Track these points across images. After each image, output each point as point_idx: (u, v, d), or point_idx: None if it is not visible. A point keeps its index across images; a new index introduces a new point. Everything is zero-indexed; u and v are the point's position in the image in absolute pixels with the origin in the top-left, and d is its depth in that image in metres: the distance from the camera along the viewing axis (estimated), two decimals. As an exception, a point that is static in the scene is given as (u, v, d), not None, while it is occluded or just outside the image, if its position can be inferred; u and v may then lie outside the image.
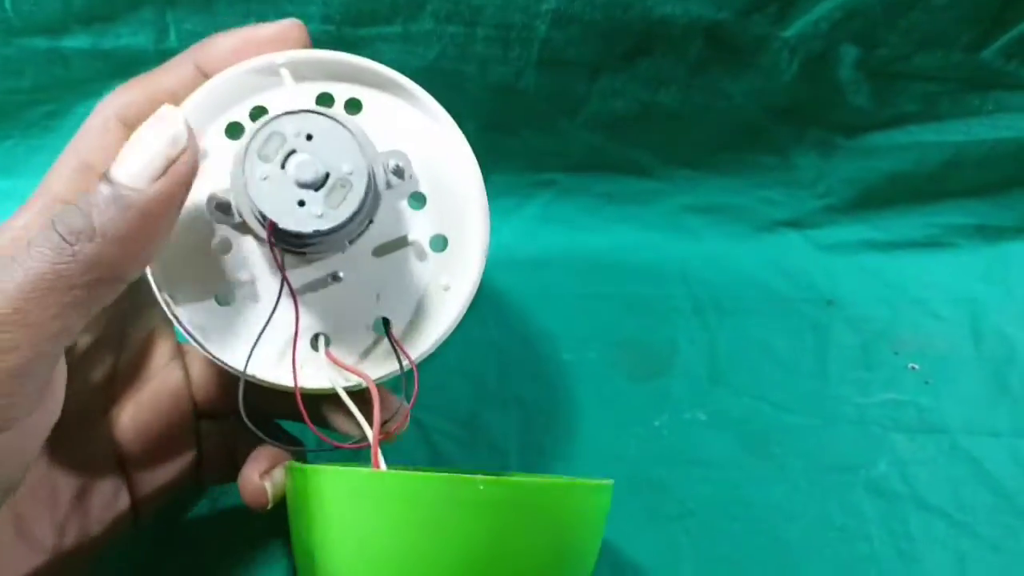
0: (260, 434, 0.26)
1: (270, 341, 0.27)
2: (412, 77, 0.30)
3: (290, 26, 0.26)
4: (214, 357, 0.26)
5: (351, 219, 0.24)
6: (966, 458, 0.39)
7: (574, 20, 0.35)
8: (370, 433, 0.26)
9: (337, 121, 0.23)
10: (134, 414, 0.30)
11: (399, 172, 0.25)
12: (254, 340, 0.26)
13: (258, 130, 0.23)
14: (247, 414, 0.26)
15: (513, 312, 0.41)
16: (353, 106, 0.26)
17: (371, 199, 0.24)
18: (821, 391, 0.40)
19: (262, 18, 0.34)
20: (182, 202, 0.23)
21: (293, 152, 0.23)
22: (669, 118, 0.40)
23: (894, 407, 0.40)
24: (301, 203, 0.23)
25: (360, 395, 0.27)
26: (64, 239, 0.21)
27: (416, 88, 0.26)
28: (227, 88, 0.26)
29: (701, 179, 0.43)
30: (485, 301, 0.29)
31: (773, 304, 0.42)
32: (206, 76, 0.26)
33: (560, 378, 0.39)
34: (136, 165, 0.21)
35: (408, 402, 0.27)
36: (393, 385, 0.28)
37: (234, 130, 0.26)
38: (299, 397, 0.26)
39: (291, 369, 0.26)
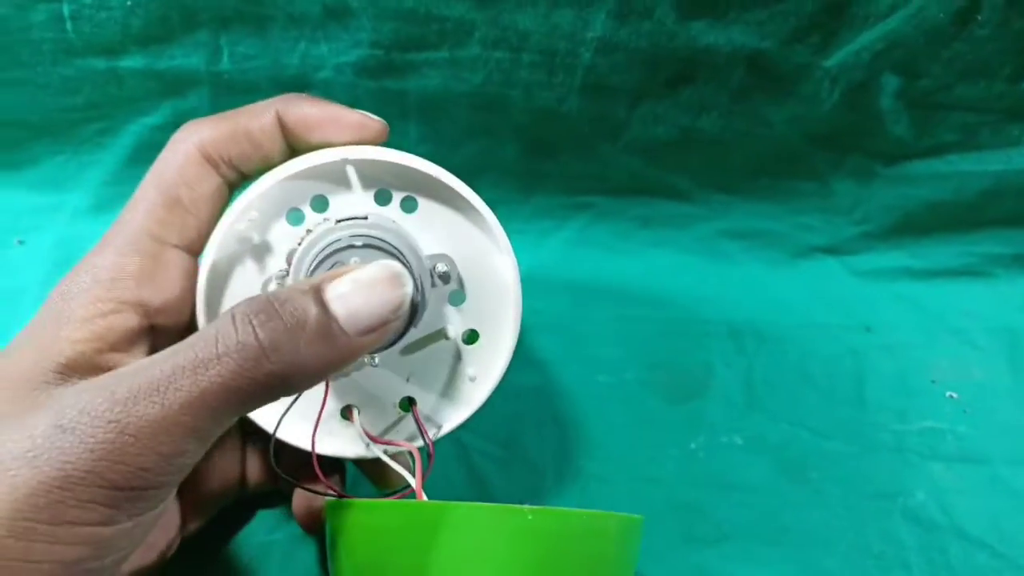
0: (293, 481, 0.29)
1: (302, 409, 0.28)
2: (457, 102, 0.31)
3: (372, 122, 0.28)
4: (253, 420, 0.28)
5: (392, 344, 0.26)
6: (1007, 489, 0.38)
7: (619, 48, 0.35)
8: (413, 482, 0.28)
9: (393, 254, 0.25)
10: None
11: (445, 277, 0.27)
12: (286, 407, 0.28)
13: (323, 256, 0.25)
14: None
15: (550, 334, 0.41)
16: (409, 205, 0.28)
17: (418, 313, 0.26)
18: (859, 418, 0.40)
19: (313, 44, 0.36)
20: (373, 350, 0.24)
21: None
22: (709, 144, 0.40)
23: (932, 435, 0.40)
24: None
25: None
26: (266, 354, 0.21)
27: (469, 193, 0.27)
28: (298, 178, 0.27)
29: (738, 204, 0.43)
30: (522, 322, 0.30)
31: (810, 330, 0.42)
32: (285, 129, 0.27)
33: (597, 400, 0.40)
34: (361, 312, 0.22)
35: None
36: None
37: (295, 217, 0.27)
38: (316, 461, 0.28)
39: (319, 435, 0.29)
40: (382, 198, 0.27)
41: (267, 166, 0.27)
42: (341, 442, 0.30)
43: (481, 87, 0.37)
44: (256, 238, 0.27)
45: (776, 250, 0.44)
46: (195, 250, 0.27)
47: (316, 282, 0.23)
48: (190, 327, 0.28)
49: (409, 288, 0.23)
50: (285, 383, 0.22)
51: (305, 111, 0.27)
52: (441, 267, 0.27)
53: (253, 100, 0.27)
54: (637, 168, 0.41)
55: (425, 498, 0.27)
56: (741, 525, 0.36)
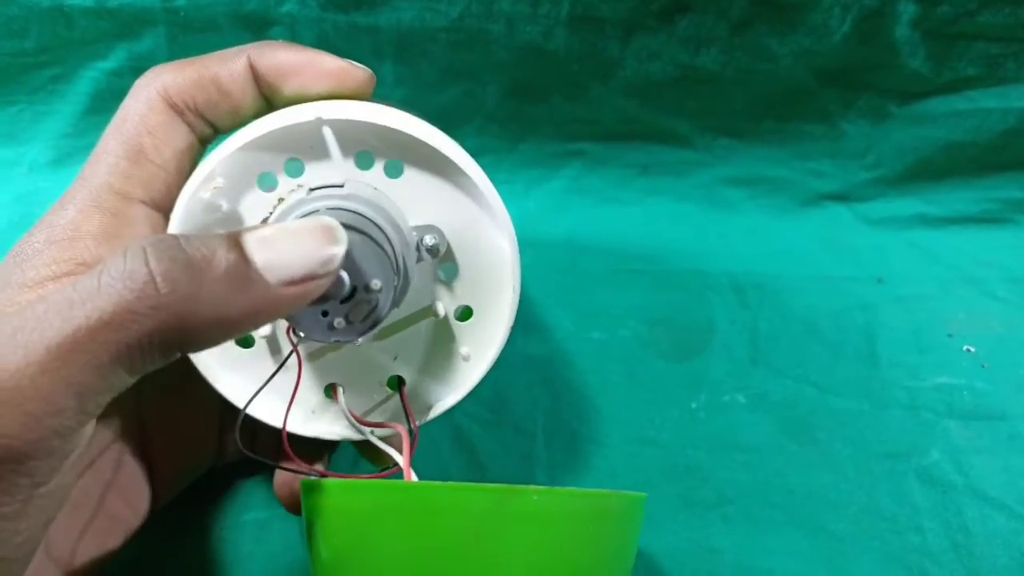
0: (270, 463, 0.27)
1: (278, 387, 0.27)
2: (434, 38, 0.28)
3: (355, 70, 0.25)
4: (223, 394, 0.27)
5: (373, 329, 0.24)
6: (1026, 447, 0.36)
7: (608, -27, 0.33)
8: (401, 460, 0.26)
9: (370, 237, 0.23)
10: (163, 404, 0.29)
11: (433, 250, 0.25)
12: (261, 384, 0.26)
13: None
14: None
15: (540, 289, 0.39)
16: (393, 170, 0.25)
17: (398, 292, 0.24)
18: (870, 374, 0.38)
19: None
20: (294, 309, 0.21)
21: None
22: (709, 82, 0.37)
23: (948, 392, 0.37)
24: (324, 313, 0.23)
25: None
26: (155, 283, 0.18)
27: (461, 158, 0.24)
28: (268, 140, 0.24)
29: (742, 149, 0.40)
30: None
31: (818, 282, 0.40)
32: (257, 77, 0.25)
33: (591, 358, 0.37)
34: (282, 260, 0.20)
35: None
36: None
37: (267, 180, 0.25)
38: (285, 438, 0.26)
39: (300, 417, 0.27)
40: (363, 161, 0.25)
41: (237, 117, 0.25)
42: (324, 423, 0.28)
43: (459, 20, 0.34)
44: (224, 206, 0.24)
45: (782, 197, 0.41)
46: (163, 206, 0.24)
47: (234, 231, 0.20)
48: None
49: (342, 247, 0.21)
50: (181, 328, 0.19)
51: (279, 57, 0.25)
52: (429, 239, 0.25)
53: (213, 40, 0.25)
54: (632, 111, 0.38)
55: (414, 477, 0.25)
56: (744, 488, 0.35)
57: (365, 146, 0.24)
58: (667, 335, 0.38)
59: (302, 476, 0.27)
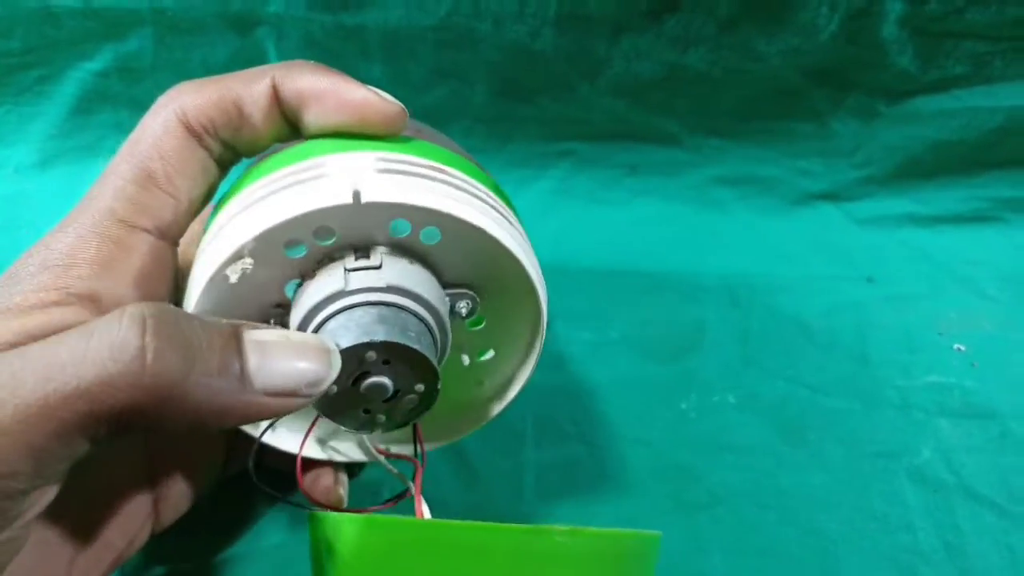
0: (272, 492, 0.26)
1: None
2: (422, 37, 0.28)
3: (384, 104, 0.23)
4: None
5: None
6: (1017, 445, 0.36)
7: (596, -28, 0.33)
8: (413, 488, 0.25)
9: (415, 351, 0.22)
10: (175, 437, 0.28)
11: (467, 315, 0.25)
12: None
13: (329, 315, 0.22)
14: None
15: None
16: (430, 237, 0.24)
17: (431, 396, 0.23)
18: (861, 373, 0.38)
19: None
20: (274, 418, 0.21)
21: (366, 373, 0.22)
22: (698, 82, 0.37)
23: (939, 391, 0.37)
24: (367, 411, 0.23)
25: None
26: (146, 357, 0.17)
27: (507, 240, 0.23)
28: (303, 216, 0.22)
29: (732, 149, 0.40)
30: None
31: (809, 282, 0.40)
32: (280, 100, 0.23)
33: (580, 360, 0.37)
34: (273, 369, 0.19)
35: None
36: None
37: (294, 246, 0.23)
38: (300, 472, 0.26)
39: (314, 443, 0.27)
40: (399, 226, 0.23)
41: (258, 142, 0.24)
42: (336, 445, 0.28)
43: (447, 19, 0.34)
44: (249, 270, 0.23)
45: (772, 197, 0.41)
46: (171, 235, 0.23)
47: (234, 323, 0.20)
48: None
49: (333, 376, 0.21)
50: (155, 410, 0.18)
51: (303, 82, 0.23)
52: (463, 307, 0.24)
53: (199, 40, 0.25)
54: (621, 111, 0.38)
55: (426, 509, 0.25)
56: (735, 488, 0.34)
57: (402, 217, 0.23)
58: (657, 336, 0.38)
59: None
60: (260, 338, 0.19)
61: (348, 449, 0.28)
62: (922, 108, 0.39)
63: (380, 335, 0.21)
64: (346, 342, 0.21)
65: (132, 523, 0.27)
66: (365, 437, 0.26)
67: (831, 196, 0.42)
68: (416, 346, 0.22)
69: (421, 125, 0.27)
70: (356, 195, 0.21)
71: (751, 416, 0.36)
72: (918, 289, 0.40)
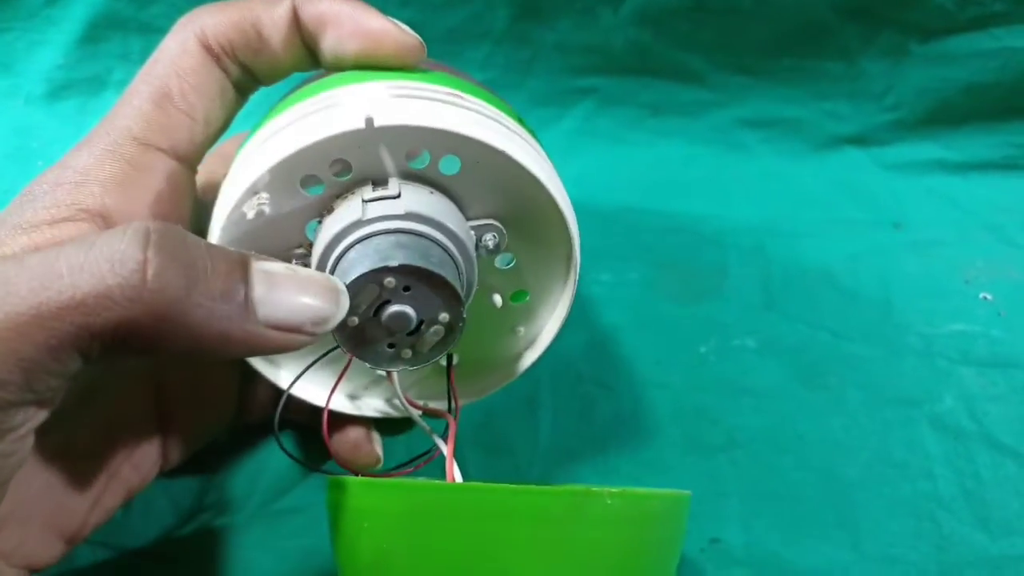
0: (292, 456, 0.26)
1: (324, 361, 0.25)
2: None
3: (401, 35, 0.23)
4: (263, 375, 0.25)
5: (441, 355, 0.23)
6: (1041, 395, 0.35)
7: None
8: (443, 447, 0.24)
9: (437, 276, 0.21)
10: (186, 372, 0.28)
11: (494, 250, 0.24)
12: (306, 364, 0.25)
13: (348, 246, 0.21)
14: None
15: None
16: (451, 166, 0.23)
17: (465, 310, 0.22)
18: (884, 320, 0.37)
19: None
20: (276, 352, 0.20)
21: (387, 302, 0.21)
22: (725, 14, 0.36)
23: (963, 339, 0.37)
24: (391, 345, 0.22)
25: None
26: (147, 271, 0.17)
27: (524, 153, 0.22)
28: (314, 146, 0.21)
29: (758, 88, 0.39)
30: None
31: (834, 226, 0.39)
32: (300, 25, 0.23)
33: (599, 300, 0.37)
34: (278, 302, 0.19)
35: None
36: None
37: (311, 182, 0.22)
38: (326, 420, 0.25)
39: (344, 398, 0.27)
40: (418, 159, 0.22)
41: (277, 68, 0.24)
42: (372, 398, 0.27)
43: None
44: (267, 211, 0.22)
45: (798, 140, 0.40)
46: (187, 157, 0.23)
47: (243, 252, 0.19)
48: None
49: (340, 317, 0.20)
50: (153, 330, 0.17)
51: (323, 6, 0.23)
52: (489, 240, 0.24)
53: None
54: (645, 42, 0.37)
55: (458, 475, 0.24)
56: (753, 432, 0.34)
57: (420, 146, 0.22)
58: (677, 279, 0.37)
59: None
60: (268, 268, 0.19)
61: (380, 405, 0.27)
62: (957, 48, 0.37)
63: (398, 259, 0.21)
64: (362, 268, 0.21)
65: (142, 458, 0.27)
66: (399, 391, 0.25)
67: (858, 140, 0.40)
68: (437, 270, 0.21)
69: (440, 63, 0.26)
70: (369, 120, 0.21)
71: (771, 360, 0.36)
72: (945, 236, 0.39)
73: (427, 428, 0.25)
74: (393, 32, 0.23)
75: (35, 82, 0.38)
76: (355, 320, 0.21)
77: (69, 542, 0.26)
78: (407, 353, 0.22)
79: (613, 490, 0.21)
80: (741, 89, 0.39)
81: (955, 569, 0.32)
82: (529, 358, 0.27)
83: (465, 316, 0.22)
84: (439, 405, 0.28)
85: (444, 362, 0.27)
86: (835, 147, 0.40)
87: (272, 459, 0.32)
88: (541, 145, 0.25)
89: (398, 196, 0.22)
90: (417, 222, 0.22)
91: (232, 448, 0.32)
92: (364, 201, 0.22)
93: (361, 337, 0.22)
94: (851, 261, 0.38)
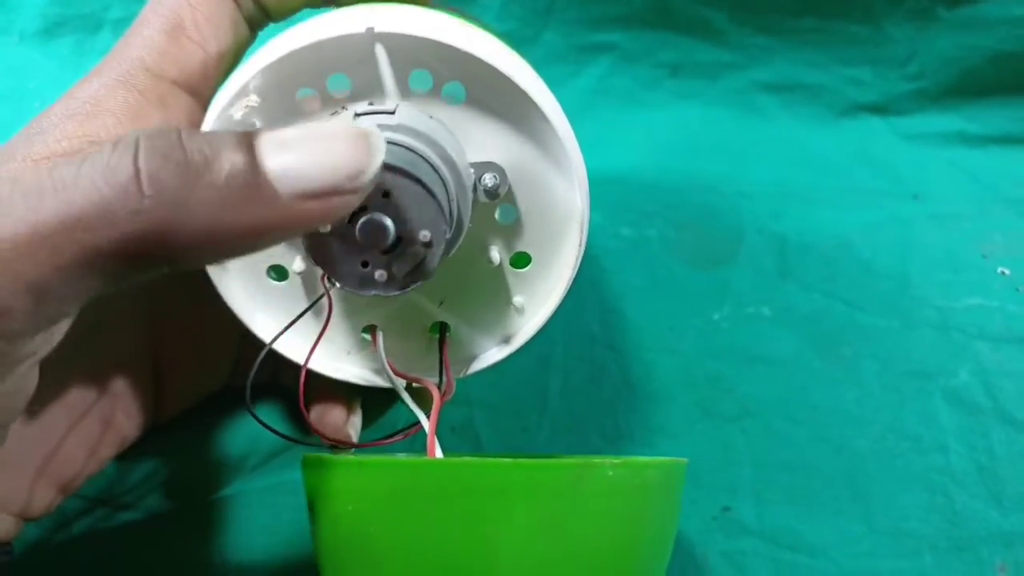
0: (265, 424, 0.24)
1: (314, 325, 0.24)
2: None
3: None
4: (248, 327, 0.24)
5: (416, 284, 0.21)
6: (1058, 372, 0.35)
7: None
8: (426, 423, 0.23)
9: (421, 182, 0.19)
10: (183, 323, 0.27)
11: (492, 192, 0.22)
12: (289, 321, 0.23)
13: None
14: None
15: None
16: (454, 95, 0.21)
17: (450, 243, 0.21)
18: (900, 292, 0.36)
19: None
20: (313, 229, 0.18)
21: (363, 209, 0.19)
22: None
23: (980, 313, 0.36)
24: (364, 264, 0.20)
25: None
26: (139, 183, 0.15)
27: (533, 85, 0.21)
28: (309, 52, 0.20)
29: (779, 50, 0.38)
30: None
31: (852, 195, 0.38)
32: None
33: (616, 256, 0.35)
34: (302, 167, 0.16)
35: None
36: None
37: (307, 94, 0.21)
38: (302, 395, 0.23)
39: (328, 356, 0.25)
40: (419, 81, 0.21)
41: (286, 2, 0.23)
42: (354, 366, 0.26)
43: None
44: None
45: (818, 107, 0.39)
46: (198, 90, 0.22)
47: (251, 130, 0.17)
48: None
49: (377, 164, 0.17)
50: (164, 239, 0.16)
51: None
52: (489, 179, 0.22)
53: None
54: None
55: (438, 448, 0.22)
56: (766, 401, 0.33)
57: (422, 65, 0.21)
58: (694, 241, 0.36)
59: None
60: (279, 136, 0.17)
61: (363, 372, 0.26)
62: (986, 14, 0.36)
63: (386, 158, 0.19)
64: None
65: (135, 405, 0.26)
66: (383, 356, 0.24)
67: (880, 109, 0.39)
68: (420, 176, 0.19)
69: (457, 8, 0.25)
70: (369, 28, 0.19)
71: (785, 329, 0.35)
72: (964, 209, 0.38)
73: (409, 400, 0.24)
74: None
75: (29, 19, 0.36)
76: (327, 227, 0.20)
77: (63, 491, 0.25)
78: (381, 275, 0.20)
79: (615, 460, 0.20)
80: (762, 51, 0.38)
81: (967, 544, 0.31)
82: (529, 329, 0.25)
83: (447, 237, 0.20)
84: (432, 378, 0.26)
85: (437, 334, 0.25)
86: (855, 115, 0.39)
87: (270, 421, 0.32)
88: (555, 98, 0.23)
89: (393, 112, 0.21)
90: (409, 135, 0.20)
91: (229, 408, 0.31)
92: (356, 115, 0.21)
93: (331, 248, 0.20)
94: (868, 231, 0.37)
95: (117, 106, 0.20)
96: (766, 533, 0.31)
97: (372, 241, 0.19)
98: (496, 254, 0.24)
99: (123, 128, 0.20)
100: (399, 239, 0.20)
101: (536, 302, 0.25)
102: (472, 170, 0.22)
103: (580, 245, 0.23)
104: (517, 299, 0.25)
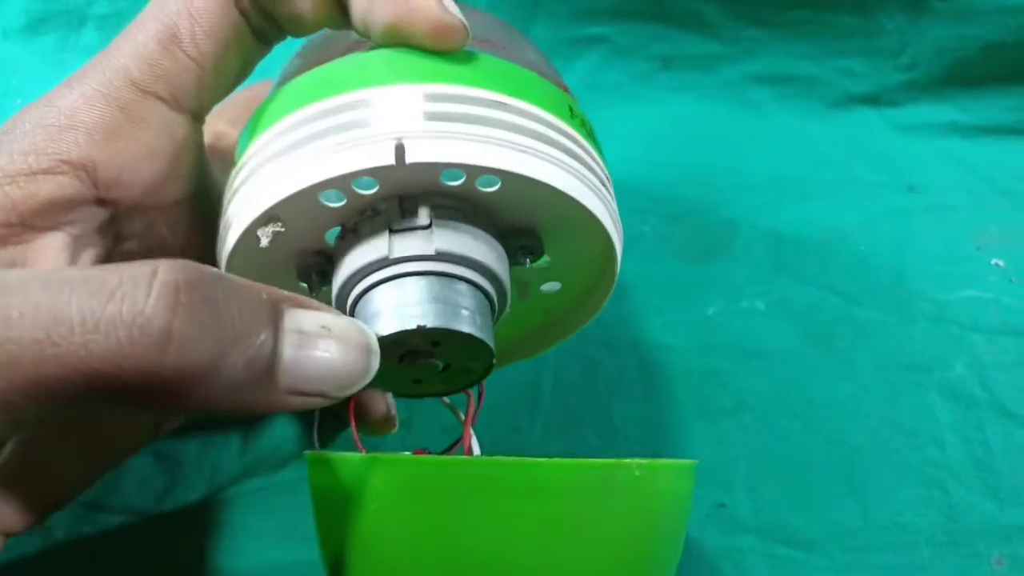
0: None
1: None
2: None
3: (440, 14, 0.19)
4: None
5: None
6: (1053, 364, 0.34)
7: None
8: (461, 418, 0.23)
9: (465, 335, 0.19)
10: None
11: (531, 260, 0.22)
12: None
13: (372, 284, 0.20)
14: None
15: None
16: (487, 183, 0.20)
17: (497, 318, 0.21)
18: (895, 284, 0.36)
19: None
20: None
21: (412, 353, 0.20)
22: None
23: (975, 305, 0.36)
24: (416, 381, 0.21)
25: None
26: (170, 345, 0.14)
27: (567, 182, 0.20)
28: (336, 178, 0.19)
29: (771, 42, 0.38)
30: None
31: (846, 187, 0.38)
32: None
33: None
34: (309, 368, 0.16)
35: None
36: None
37: (330, 197, 0.20)
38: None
39: None
40: (451, 177, 0.20)
41: (301, 19, 0.21)
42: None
43: None
44: (283, 231, 0.20)
45: (811, 99, 0.39)
46: (192, 110, 0.21)
47: (277, 297, 0.17)
48: (185, 221, 0.22)
49: (368, 379, 0.18)
50: (165, 397, 0.15)
51: None
52: (525, 256, 0.22)
53: None
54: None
55: (477, 449, 0.22)
56: (761, 395, 0.33)
57: (455, 171, 0.19)
58: (688, 234, 0.36)
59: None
60: (300, 326, 0.16)
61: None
62: (978, 4, 0.36)
63: (429, 320, 0.19)
64: (390, 327, 0.19)
65: (130, 420, 0.25)
66: None
67: (873, 100, 0.39)
68: (470, 330, 0.19)
69: (493, 27, 0.23)
70: (400, 152, 0.18)
71: (780, 323, 0.35)
72: (958, 201, 0.38)
73: (446, 400, 0.24)
74: (431, 7, 0.19)
75: (12, 15, 0.36)
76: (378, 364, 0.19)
77: (51, 505, 0.24)
78: (435, 384, 0.21)
79: (641, 462, 0.20)
80: (754, 43, 0.38)
81: (964, 538, 0.31)
82: (554, 339, 0.26)
83: (494, 363, 0.20)
84: None
85: None
86: (848, 107, 0.39)
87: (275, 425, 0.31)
88: (593, 135, 0.23)
89: (429, 227, 0.20)
90: (449, 263, 0.20)
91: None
92: (391, 231, 0.20)
93: (385, 376, 0.19)
94: (863, 224, 0.37)
95: (92, 121, 0.19)
96: (762, 529, 0.31)
97: (424, 374, 0.20)
98: (528, 290, 0.24)
99: (96, 149, 0.19)
100: (448, 365, 0.20)
101: (564, 315, 0.25)
102: (510, 243, 0.21)
103: (613, 282, 0.23)
104: (550, 312, 0.25)
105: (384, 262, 0.19)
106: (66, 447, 0.24)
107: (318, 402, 0.17)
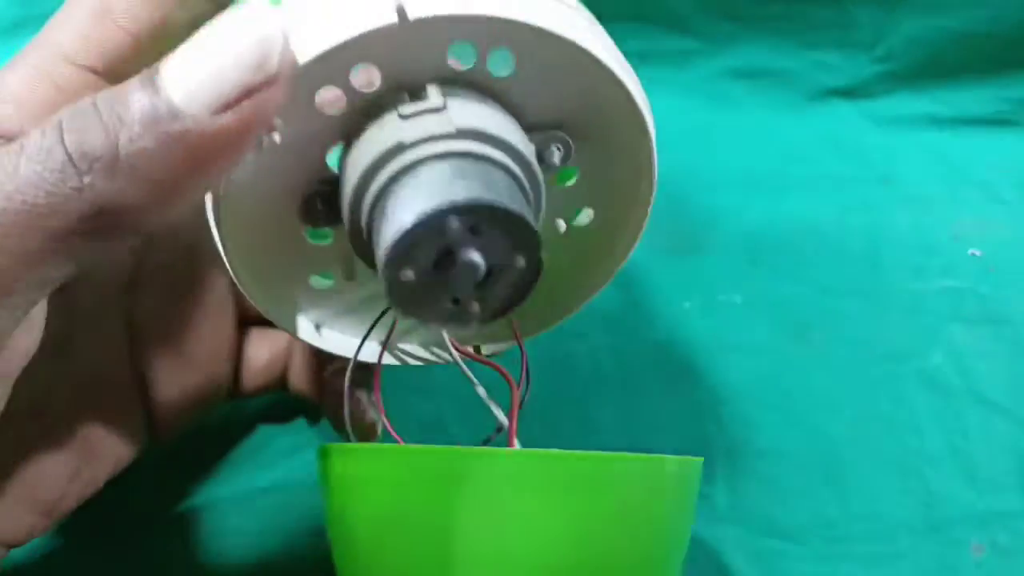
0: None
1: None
2: None
3: None
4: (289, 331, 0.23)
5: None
6: (1031, 352, 0.35)
7: None
8: (503, 418, 0.22)
9: (507, 210, 0.16)
10: (165, 324, 0.25)
11: (559, 164, 0.20)
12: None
13: (389, 179, 0.17)
14: None
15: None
16: (501, 63, 0.18)
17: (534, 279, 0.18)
18: (872, 275, 0.36)
19: None
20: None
21: (450, 252, 0.17)
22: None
23: (952, 295, 0.36)
24: (455, 301, 0.18)
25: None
26: (72, 161, 0.15)
27: (587, 37, 0.18)
28: (331, 52, 0.17)
29: (746, 37, 0.38)
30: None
31: (822, 181, 0.38)
32: None
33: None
34: (198, 84, 0.15)
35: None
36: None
37: (330, 94, 0.18)
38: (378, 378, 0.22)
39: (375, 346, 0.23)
40: (460, 53, 0.18)
41: None
42: (402, 348, 0.24)
43: None
44: (276, 139, 0.18)
45: (786, 92, 0.39)
46: (125, 76, 0.20)
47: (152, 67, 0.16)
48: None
49: (278, 39, 0.15)
50: (112, 206, 0.15)
51: None
52: (556, 156, 0.19)
53: None
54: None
55: (517, 444, 0.21)
56: (738, 389, 0.33)
57: (464, 38, 0.17)
58: (662, 231, 0.36)
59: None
60: (174, 62, 0.15)
61: (419, 351, 0.24)
62: (951, -6, 0.36)
63: (461, 194, 0.16)
64: (418, 211, 0.16)
65: (121, 420, 0.25)
66: (446, 336, 0.22)
67: (848, 93, 0.39)
68: (512, 206, 0.16)
69: None
70: (400, 10, 0.16)
71: (757, 316, 0.35)
72: (934, 192, 0.38)
73: (475, 381, 0.22)
74: None
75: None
76: (410, 275, 0.17)
77: (48, 515, 0.24)
78: (474, 308, 0.18)
79: (675, 457, 0.21)
80: (728, 37, 0.38)
81: (942, 525, 0.31)
82: (587, 293, 0.24)
83: (542, 257, 0.17)
84: (498, 348, 0.24)
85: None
86: (824, 100, 0.39)
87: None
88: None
89: (443, 108, 0.18)
90: (473, 140, 0.17)
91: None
92: (401, 117, 0.18)
93: (419, 295, 0.17)
94: (839, 216, 0.37)
95: (24, 94, 0.19)
96: (741, 520, 0.31)
97: (463, 283, 0.17)
98: (561, 223, 0.22)
99: (28, 121, 0.19)
100: (491, 270, 0.17)
101: (598, 260, 0.23)
102: (532, 144, 0.19)
103: (651, 192, 0.21)
104: (586, 256, 0.23)
105: (399, 148, 0.17)
106: (59, 458, 0.24)
107: (257, 102, 0.15)
